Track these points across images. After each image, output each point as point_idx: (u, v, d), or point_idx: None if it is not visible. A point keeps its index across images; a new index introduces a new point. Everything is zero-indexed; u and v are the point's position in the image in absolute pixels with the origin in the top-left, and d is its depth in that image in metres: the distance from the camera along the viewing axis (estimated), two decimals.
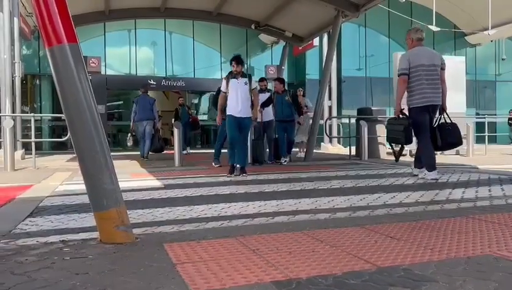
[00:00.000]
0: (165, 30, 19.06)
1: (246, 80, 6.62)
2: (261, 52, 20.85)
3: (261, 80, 9.24)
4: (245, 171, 6.48)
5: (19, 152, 10.08)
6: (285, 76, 17.75)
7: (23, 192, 4.91)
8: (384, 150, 11.26)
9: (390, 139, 6.29)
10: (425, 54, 5.59)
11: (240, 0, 11.16)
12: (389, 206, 3.71)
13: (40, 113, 16.63)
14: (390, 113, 12.48)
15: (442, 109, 5.61)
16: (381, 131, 11.32)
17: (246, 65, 20.90)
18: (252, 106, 6.69)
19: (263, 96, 8.58)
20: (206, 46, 20.19)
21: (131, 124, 10.43)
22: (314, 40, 15.14)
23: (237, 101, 6.51)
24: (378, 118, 11.28)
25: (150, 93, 11.75)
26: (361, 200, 4.05)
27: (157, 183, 5.74)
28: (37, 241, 2.51)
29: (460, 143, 5.84)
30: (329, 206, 3.73)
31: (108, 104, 18.01)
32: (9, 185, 5.67)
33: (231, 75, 6.64)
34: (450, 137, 5.54)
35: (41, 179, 6.30)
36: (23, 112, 13.86)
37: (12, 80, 11.04)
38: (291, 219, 3.14)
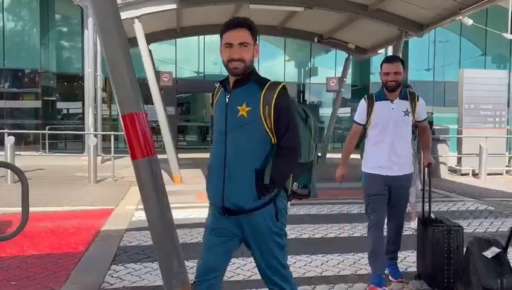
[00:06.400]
0: None
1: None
2: (325, 53, 20.84)
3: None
4: None
5: (99, 158, 11.33)
6: (348, 77, 17.59)
7: (105, 221, 5.87)
8: (445, 169, 11.20)
9: None
10: None
11: (304, 16, 11.42)
12: None
13: (118, 111, 18.17)
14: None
15: None
16: (443, 150, 11.22)
17: (307, 70, 21.07)
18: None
19: None
20: (270, 44, 20.41)
21: None
22: None
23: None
24: (440, 138, 11.21)
25: None
26: None
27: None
28: None
29: None
30: None
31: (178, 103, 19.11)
32: (93, 209, 6.76)
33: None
34: None
35: (119, 200, 7.32)
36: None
37: (95, 91, 12.31)
38: None
